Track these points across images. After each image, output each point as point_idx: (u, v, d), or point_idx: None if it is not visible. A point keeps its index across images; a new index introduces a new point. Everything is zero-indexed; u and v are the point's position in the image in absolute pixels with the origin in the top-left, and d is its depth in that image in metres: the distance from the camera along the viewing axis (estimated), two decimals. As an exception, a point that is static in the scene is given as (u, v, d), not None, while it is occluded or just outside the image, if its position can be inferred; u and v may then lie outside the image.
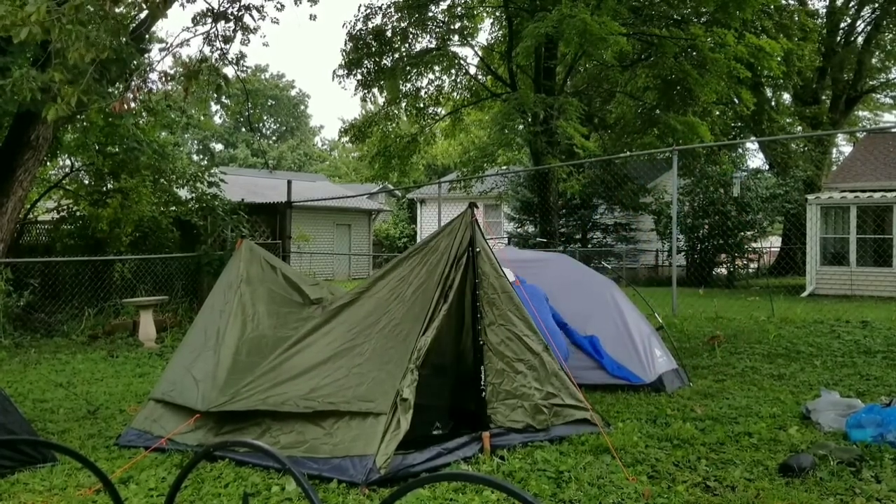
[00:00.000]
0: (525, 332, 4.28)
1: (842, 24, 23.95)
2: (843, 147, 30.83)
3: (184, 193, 13.01)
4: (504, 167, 20.92)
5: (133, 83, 8.30)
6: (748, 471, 3.71)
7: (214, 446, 2.09)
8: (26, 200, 11.09)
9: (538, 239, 19.22)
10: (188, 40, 15.28)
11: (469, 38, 18.71)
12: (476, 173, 18.26)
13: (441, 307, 3.95)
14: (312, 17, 9.21)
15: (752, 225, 18.11)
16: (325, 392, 3.82)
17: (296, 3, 8.78)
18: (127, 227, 11.58)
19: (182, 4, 8.09)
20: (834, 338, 8.32)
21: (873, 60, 25.03)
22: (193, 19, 7.87)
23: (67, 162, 14.04)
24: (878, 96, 28.40)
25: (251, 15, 7.85)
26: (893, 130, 22.61)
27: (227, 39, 7.86)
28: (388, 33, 17.17)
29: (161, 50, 19.97)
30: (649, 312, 7.22)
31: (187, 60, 7.17)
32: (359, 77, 17.55)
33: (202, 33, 7.75)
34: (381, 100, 19.37)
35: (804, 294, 15.24)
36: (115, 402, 5.76)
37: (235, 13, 7.64)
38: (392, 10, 17.02)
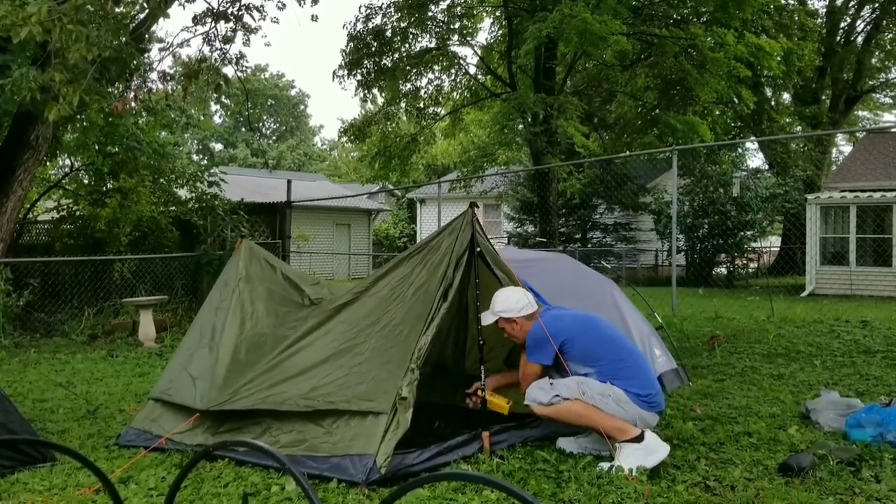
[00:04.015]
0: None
1: (842, 24, 23.96)
2: (843, 147, 30.86)
3: (183, 193, 13.01)
4: (504, 167, 20.92)
5: (133, 83, 8.30)
6: (748, 470, 3.71)
7: (214, 446, 2.09)
8: (26, 200, 11.09)
9: (538, 239, 19.22)
10: (188, 40, 15.28)
11: (469, 38, 18.74)
12: (476, 173, 18.26)
13: (442, 307, 3.95)
14: (314, 18, 9.16)
15: (751, 225, 18.10)
16: (326, 391, 3.81)
17: (300, 4, 8.75)
18: (126, 226, 11.57)
19: (182, 4, 8.07)
20: (833, 337, 8.32)
21: (873, 60, 25.03)
22: (193, 19, 7.85)
23: (67, 162, 14.05)
24: (878, 96, 28.42)
25: (251, 15, 7.83)
26: (893, 130, 22.61)
27: (228, 40, 7.85)
28: (388, 33, 17.20)
29: (161, 50, 19.95)
30: (649, 312, 7.21)
31: (187, 60, 7.16)
32: (359, 77, 17.58)
33: (202, 33, 7.74)
34: (380, 100, 19.40)
35: (804, 294, 15.24)
36: (114, 402, 5.76)
37: (236, 13, 7.62)
38: (392, 10, 17.05)
